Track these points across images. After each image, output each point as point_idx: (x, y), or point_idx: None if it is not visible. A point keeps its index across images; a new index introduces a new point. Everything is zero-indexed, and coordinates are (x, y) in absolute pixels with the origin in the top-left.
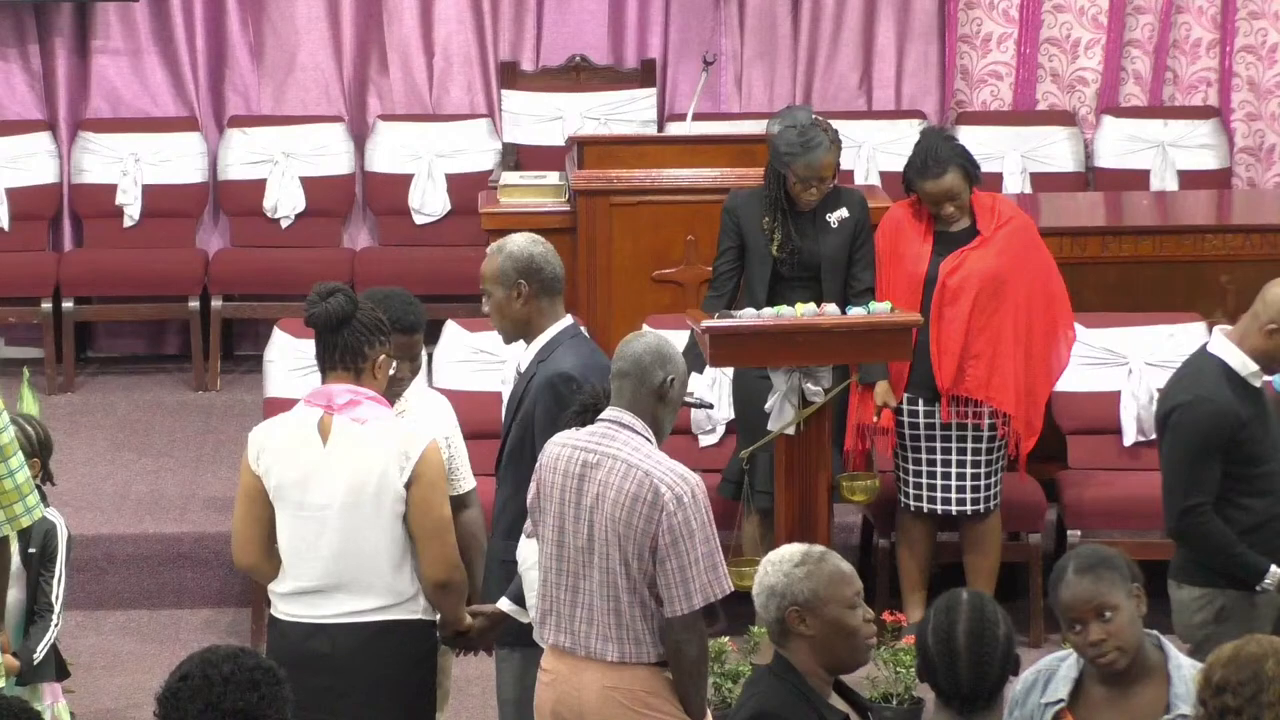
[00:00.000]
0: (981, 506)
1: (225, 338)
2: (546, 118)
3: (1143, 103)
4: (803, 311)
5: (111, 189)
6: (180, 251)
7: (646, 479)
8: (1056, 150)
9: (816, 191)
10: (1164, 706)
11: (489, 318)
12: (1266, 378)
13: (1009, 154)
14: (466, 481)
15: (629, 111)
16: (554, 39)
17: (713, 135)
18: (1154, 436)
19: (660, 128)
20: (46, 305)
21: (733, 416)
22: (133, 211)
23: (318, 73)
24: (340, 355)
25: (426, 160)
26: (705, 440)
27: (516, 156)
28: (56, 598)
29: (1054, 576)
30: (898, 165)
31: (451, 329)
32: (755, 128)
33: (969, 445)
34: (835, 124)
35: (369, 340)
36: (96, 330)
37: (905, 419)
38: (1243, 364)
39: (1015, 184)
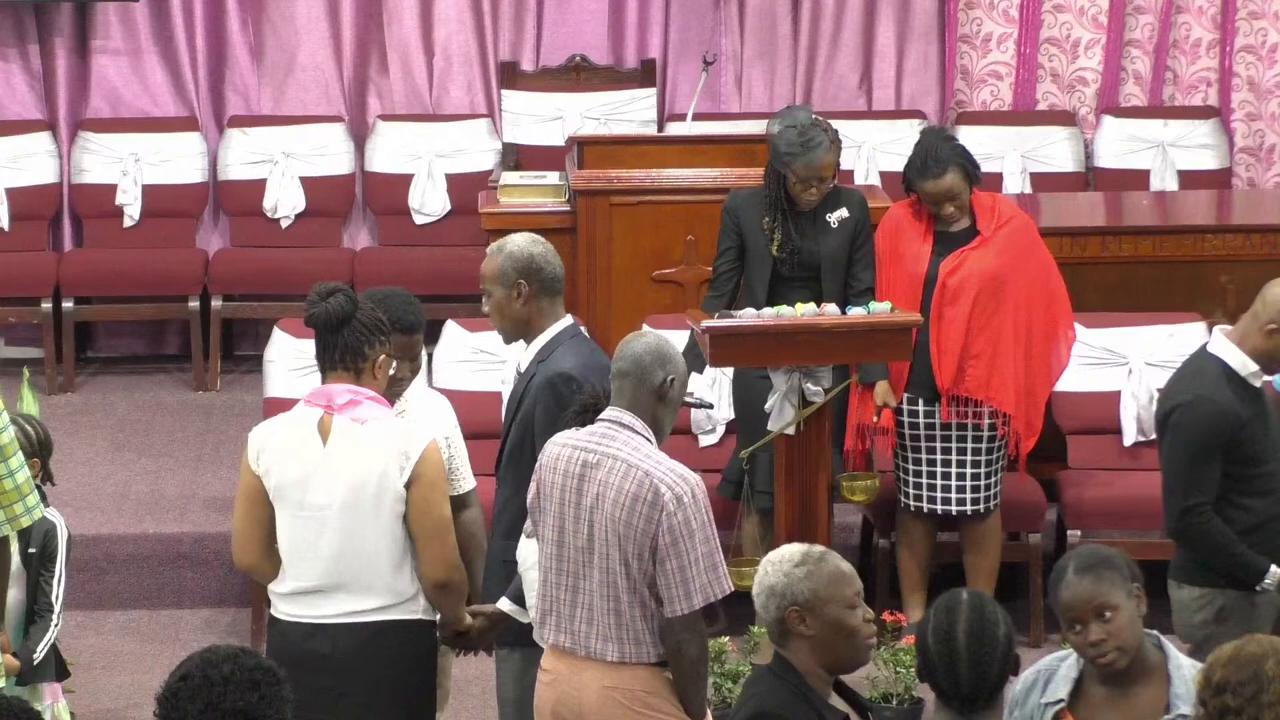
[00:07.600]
0: (981, 506)
1: (225, 338)
2: (546, 118)
3: (1143, 103)
4: (803, 311)
5: (111, 189)
6: (180, 251)
7: (646, 479)
8: (1056, 150)
9: (816, 191)
10: (1164, 706)
11: (489, 318)
12: (1266, 378)
13: (1009, 154)
14: (466, 481)
15: (629, 111)
16: (554, 39)
17: (713, 135)
18: (1154, 436)
19: (660, 128)
20: (46, 305)
21: (733, 416)
22: (133, 211)
23: (318, 73)
24: (340, 355)
25: (426, 160)
26: (705, 440)
27: (516, 156)
28: (56, 598)
29: (1054, 576)
30: (898, 165)
31: (451, 329)
32: (755, 128)
33: (969, 445)
34: (835, 124)
35: (369, 340)
36: (96, 330)
37: (905, 419)
38: (1243, 364)
39: (1015, 184)
